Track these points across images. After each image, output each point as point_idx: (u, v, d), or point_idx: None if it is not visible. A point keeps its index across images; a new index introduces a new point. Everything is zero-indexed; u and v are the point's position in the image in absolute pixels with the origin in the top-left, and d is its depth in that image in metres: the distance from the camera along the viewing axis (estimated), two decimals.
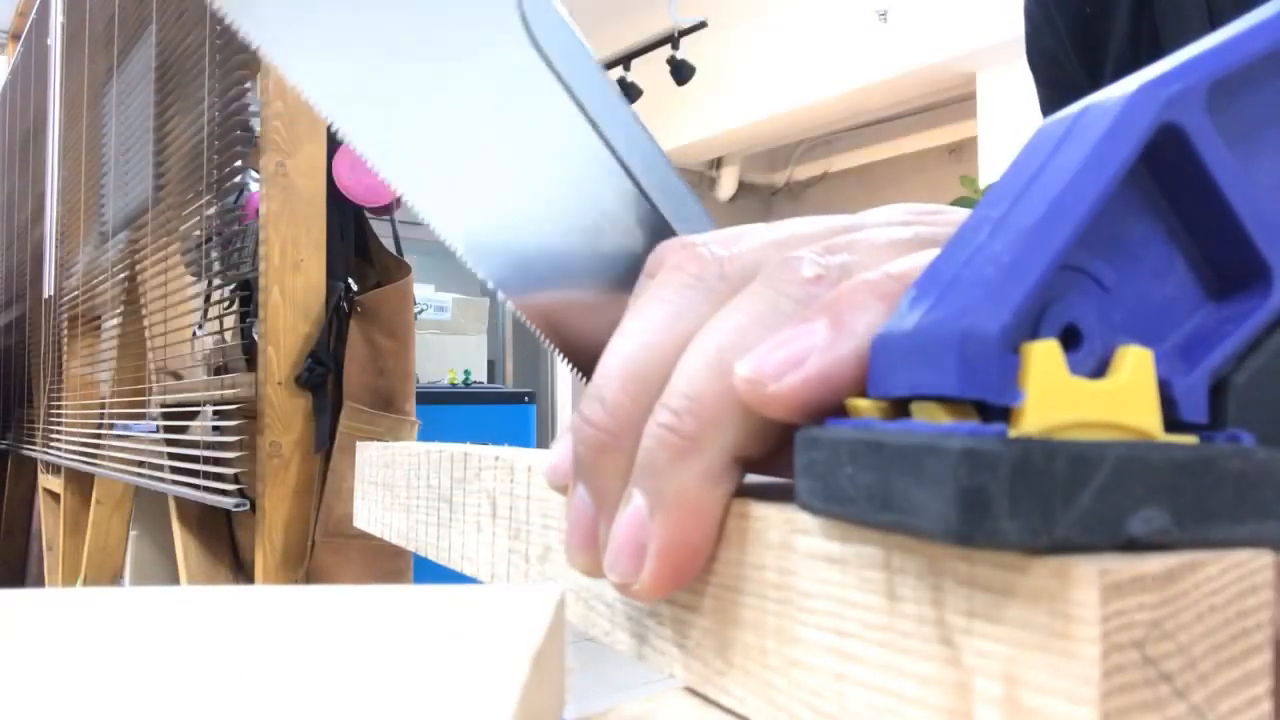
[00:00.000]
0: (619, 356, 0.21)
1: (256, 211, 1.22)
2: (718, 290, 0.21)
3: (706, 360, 0.19)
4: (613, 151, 0.29)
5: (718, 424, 0.19)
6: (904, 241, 0.21)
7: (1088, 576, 0.13)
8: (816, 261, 0.20)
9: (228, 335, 1.41)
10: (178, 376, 1.54)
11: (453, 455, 0.38)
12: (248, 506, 1.18)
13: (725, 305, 0.20)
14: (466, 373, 3.56)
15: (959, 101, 4.78)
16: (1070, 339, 0.15)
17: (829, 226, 0.23)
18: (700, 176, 6.37)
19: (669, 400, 0.19)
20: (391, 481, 0.47)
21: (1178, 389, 0.16)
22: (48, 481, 2.44)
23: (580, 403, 0.22)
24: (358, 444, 0.55)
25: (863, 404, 0.17)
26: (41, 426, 2.45)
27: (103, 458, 1.80)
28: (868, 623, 0.16)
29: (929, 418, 0.15)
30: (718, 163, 6.40)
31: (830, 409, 0.18)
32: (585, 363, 0.30)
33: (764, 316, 0.19)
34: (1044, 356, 0.15)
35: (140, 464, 1.58)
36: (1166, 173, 0.16)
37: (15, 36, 3.37)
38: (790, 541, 0.18)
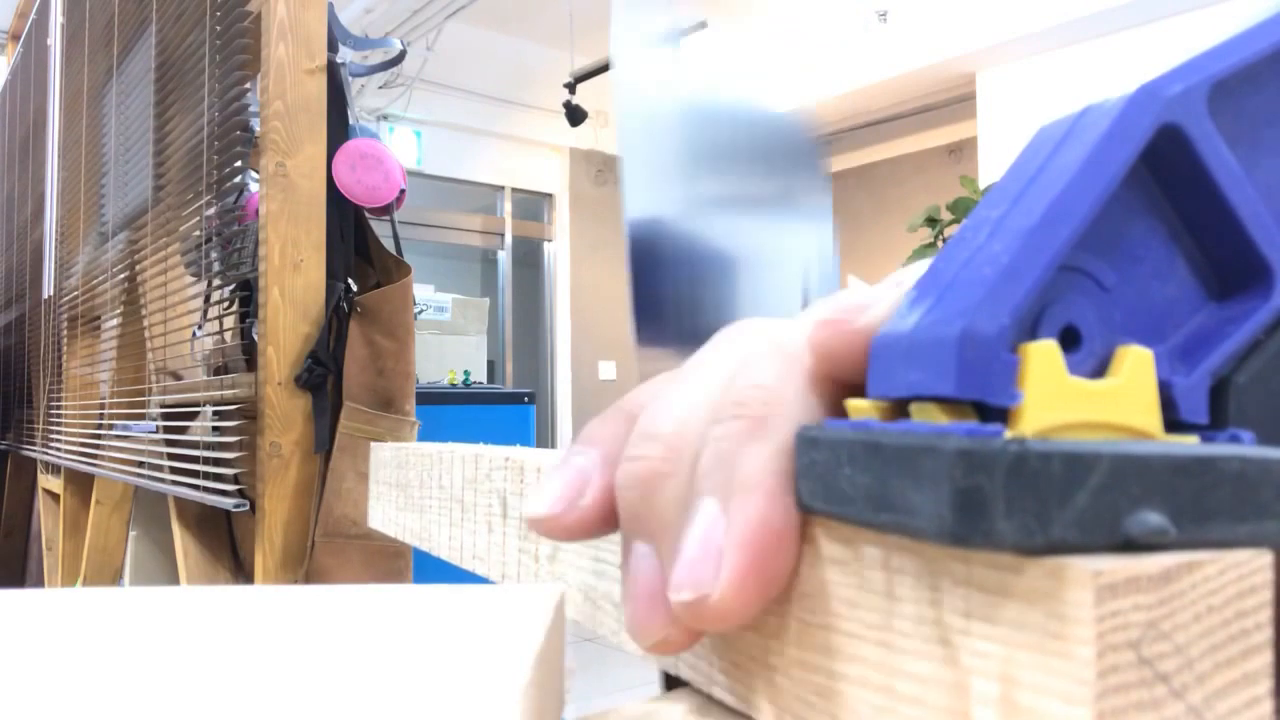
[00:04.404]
0: (664, 403, 0.20)
1: (256, 211, 1.22)
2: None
3: (767, 354, 0.19)
4: None
5: (787, 402, 0.18)
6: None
7: (1082, 577, 0.13)
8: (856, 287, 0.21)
9: (228, 335, 1.41)
10: (177, 377, 1.54)
11: (464, 456, 0.39)
12: (247, 507, 1.18)
13: None
14: (466, 373, 3.56)
15: (959, 102, 4.78)
16: (1070, 340, 0.16)
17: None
18: None
19: (732, 397, 0.19)
20: (405, 482, 0.47)
21: (1178, 389, 0.16)
22: (47, 482, 2.44)
23: (623, 456, 0.20)
24: (372, 445, 0.55)
25: (862, 404, 0.17)
26: (41, 427, 2.45)
27: (103, 458, 1.80)
28: (868, 623, 0.16)
29: (927, 418, 0.15)
30: None
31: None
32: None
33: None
34: (1043, 357, 0.15)
35: (140, 464, 1.58)
36: (1167, 173, 0.16)
37: (15, 37, 3.37)
38: None
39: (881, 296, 0.18)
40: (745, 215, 0.31)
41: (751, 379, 0.19)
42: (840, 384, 0.19)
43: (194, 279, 1.44)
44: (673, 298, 0.29)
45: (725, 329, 0.22)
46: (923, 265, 0.19)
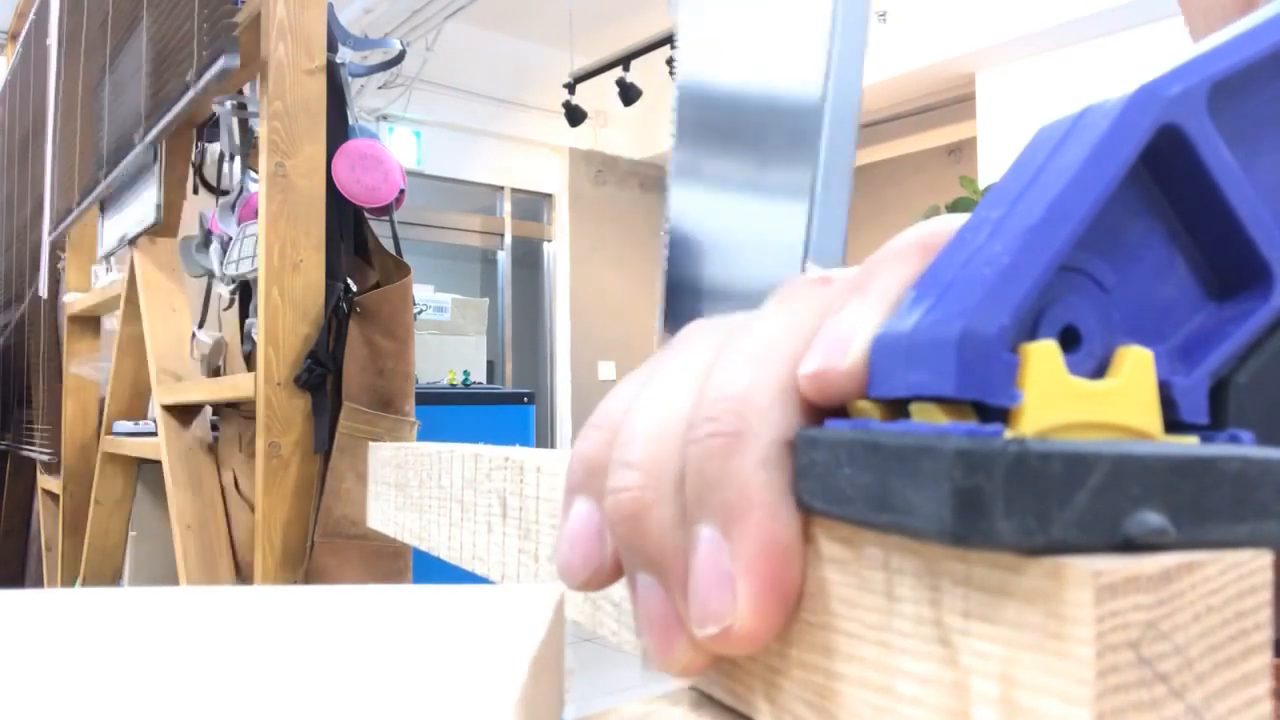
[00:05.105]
0: (635, 423, 0.20)
1: (256, 211, 1.22)
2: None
3: (733, 361, 0.19)
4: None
5: (760, 412, 0.18)
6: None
7: (1082, 577, 0.13)
8: (814, 271, 0.20)
9: (227, 335, 1.41)
10: (177, 377, 1.54)
11: (463, 456, 0.39)
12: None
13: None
14: (466, 373, 3.56)
15: (959, 102, 4.78)
16: (1069, 340, 0.16)
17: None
18: None
19: (703, 412, 0.18)
20: (404, 482, 0.47)
21: (1178, 390, 0.16)
22: (46, 482, 2.44)
23: (605, 489, 0.20)
24: (371, 445, 0.55)
25: (863, 405, 0.17)
26: (40, 427, 2.45)
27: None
28: (867, 623, 0.16)
29: (928, 419, 0.15)
30: None
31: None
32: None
33: (788, 317, 0.19)
34: (1043, 357, 0.15)
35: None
36: (1167, 174, 0.16)
37: (15, 37, 3.37)
38: None
39: (863, 319, 0.17)
40: (764, 198, 0.31)
41: (721, 390, 0.18)
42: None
43: (194, 278, 1.44)
44: (705, 286, 0.29)
45: (684, 330, 0.22)
46: (951, 218, 0.19)
